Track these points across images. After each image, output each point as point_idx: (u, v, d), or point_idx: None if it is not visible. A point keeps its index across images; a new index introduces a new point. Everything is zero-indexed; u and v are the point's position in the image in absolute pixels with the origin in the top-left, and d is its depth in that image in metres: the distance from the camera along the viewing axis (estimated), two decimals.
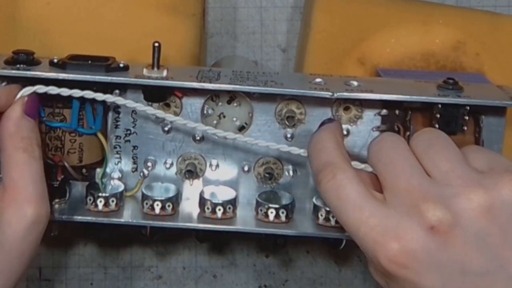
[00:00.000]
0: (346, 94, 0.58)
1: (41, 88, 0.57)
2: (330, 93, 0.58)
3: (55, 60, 0.59)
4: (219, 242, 0.79)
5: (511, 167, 0.50)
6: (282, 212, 0.62)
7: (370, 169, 0.53)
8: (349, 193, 0.49)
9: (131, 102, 0.58)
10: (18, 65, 0.58)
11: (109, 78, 0.58)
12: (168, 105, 0.63)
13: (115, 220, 0.62)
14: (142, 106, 0.59)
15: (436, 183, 0.48)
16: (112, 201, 0.62)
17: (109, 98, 0.58)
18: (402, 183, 0.49)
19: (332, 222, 0.61)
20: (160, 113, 0.59)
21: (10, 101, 0.56)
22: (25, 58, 0.59)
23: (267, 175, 0.64)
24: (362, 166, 0.54)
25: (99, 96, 0.58)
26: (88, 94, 0.57)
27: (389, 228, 0.47)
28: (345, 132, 0.63)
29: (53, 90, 0.57)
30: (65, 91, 0.57)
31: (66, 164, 0.61)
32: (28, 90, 0.56)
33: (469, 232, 0.46)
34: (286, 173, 0.65)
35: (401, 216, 0.48)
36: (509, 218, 0.47)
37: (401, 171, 0.49)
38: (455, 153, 0.50)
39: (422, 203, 0.47)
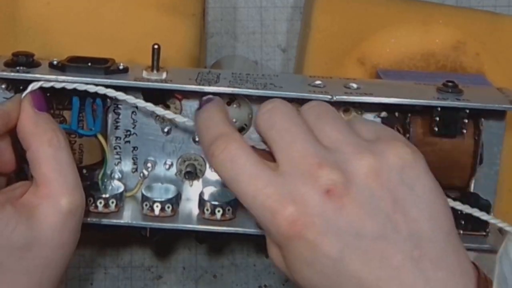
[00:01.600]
0: (345, 97, 0.58)
1: (46, 83, 0.57)
2: (330, 96, 0.58)
3: (55, 62, 0.59)
4: (219, 243, 0.79)
5: (397, 136, 0.51)
6: None
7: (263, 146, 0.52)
8: (244, 163, 0.49)
9: (131, 98, 0.59)
10: (18, 67, 0.58)
11: (109, 80, 0.58)
12: (168, 107, 0.63)
13: (115, 221, 0.62)
14: (142, 102, 0.59)
15: (328, 150, 0.48)
16: (112, 202, 0.62)
17: (110, 92, 0.58)
18: (297, 149, 0.48)
19: None
20: (159, 110, 0.59)
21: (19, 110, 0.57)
22: (25, 60, 0.59)
23: None
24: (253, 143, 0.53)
25: (101, 90, 0.58)
26: (91, 88, 0.58)
27: (286, 195, 0.47)
28: None
29: (57, 84, 0.57)
30: (69, 84, 0.57)
31: None
32: (33, 86, 0.57)
33: (362, 196, 0.47)
34: None
35: (296, 183, 0.47)
36: (397, 183, 0.47)
37: (295, 137, 0.49)
38: (343, 124, 0.51)
39: (317, 169, 0.47)
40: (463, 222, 0.61)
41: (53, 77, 0.58)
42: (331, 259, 0.46)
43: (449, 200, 0.56)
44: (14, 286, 0.54)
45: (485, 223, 0.62)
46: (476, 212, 0.58)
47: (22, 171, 0.60)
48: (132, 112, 0.63)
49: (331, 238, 0.46)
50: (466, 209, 0.58)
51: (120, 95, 0.58)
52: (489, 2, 0.77)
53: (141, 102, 0.59)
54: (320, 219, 0.46)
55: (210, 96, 0.57)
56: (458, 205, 0.57)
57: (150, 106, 0.59)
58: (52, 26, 0.69)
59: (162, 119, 0.63)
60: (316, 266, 0.47)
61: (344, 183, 0.47)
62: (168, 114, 0.59)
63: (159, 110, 0.59)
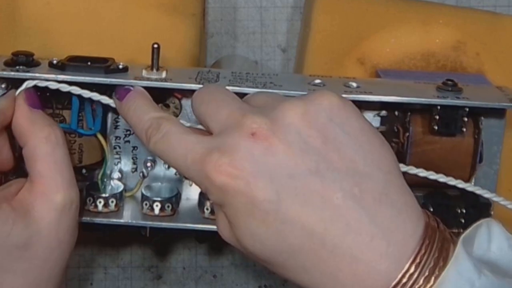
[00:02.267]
0: (345, 96, 0.58)
1: (41, 82, 0.57)
2: None
3: (55, 62, 0.59)
4: (219, 243, 0.79)
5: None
6: None
7: None
8: (175, 135, 0.50)
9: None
10: (17, 67, 0.58)
11: (108, 80, 0.58)
12: (167, 106, 0.63)
13: (114, 220, 0.62)
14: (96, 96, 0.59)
15: (256, 108, 0.49)
16: (112, 201, 0.62)
17: (104, 99, 0.58)
18: (224, 110, 0.49)
19: None
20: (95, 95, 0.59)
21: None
22: (25, 60, 0.59)
23: None
24: None
25: (95, 96, 0.58)
26: (86, 93, 0.58)
27: (214, 147, 0.47)
28: None
29: (52, 85, 0.57)
30: (64, 87, 0.57)
31: None
32: (27, 84, 0.57)
33: (289, 136, 0.46)
34: None
35: (223, 135, 0.48)
36: (326, 123, 0.47)
37: (222, 103, 0.50)
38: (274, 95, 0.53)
39: (241, 118, 0.47)
40: (463, 221, 0.61)
41: (52, 76, 0.57)
42: (268, 202, 0.46)
43: (450, 178, 0.56)
44: (12, 287, 0.54)
45: None
46: (478, 190, 0.58)
47: (20, 169, 0.60)
48: None
49: (264, 181, 0.46)
50: (468, 187, 0.58)
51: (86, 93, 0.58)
52: (489, 2, 0.77)
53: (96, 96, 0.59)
54: (248, 162, 0.46)
55: (128, 86, 0.58)
56: (460, 183, 0.57)
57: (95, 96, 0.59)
58: (52, 26, 0.69)
59: None
60: (256, 215, 0.46)
61: (269, 125, 0.47)
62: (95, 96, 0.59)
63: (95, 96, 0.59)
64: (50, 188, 0.55)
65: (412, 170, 0.57)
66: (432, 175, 0.57)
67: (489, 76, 0.70)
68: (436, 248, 0.45)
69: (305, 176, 0.46)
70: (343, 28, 0.71)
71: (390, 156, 0.48)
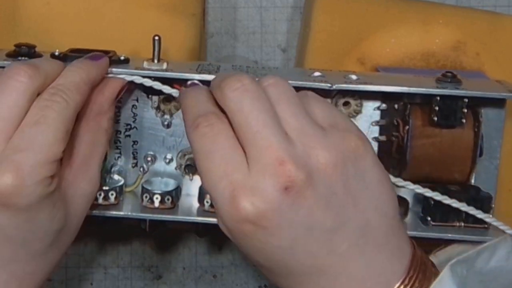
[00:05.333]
0: (345, 86, 0.59)
1: (138, 79, 0.59)
2: (329, 85, 0.58)
3: (56, 53, 0.59)
4: (218, 238, 0.78)
5: (349, 124, 0.52)
6: None
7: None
8: (223, 142, 0.49)
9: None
10: (19, 58, 0.59)
11: (110, 69, 0.58)
12: (168, 100, 0.63)
13: (114, 213, 0.62)
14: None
15: (289, 141, 0.49)
16: (112, 194, 0.62)
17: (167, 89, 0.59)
18: (262, 139, 0.48)
19: None
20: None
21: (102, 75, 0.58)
22: (27, 51, 0.59)
23: None
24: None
25: (166, 89, 0.59)
26: (157, 85, 0.59)
27: (248, 186, 0.48)
28: None
29: (147, 82, 0.59)
30: (138, 79, 0.59)
31: None
32: (129, 78, 0.59)
33: (318, 192, 0.48)
34: None
35: (259, 175, 0.48)
36: (351, 176, 0.49)
37: (261, 125, 0.49)
38: (300, 109, 0.51)
39: (279, 165, 0.48)
40: (464, 215, 0.61)
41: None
42: (281, 249, 0.49)
43: (445, 197, 0.59)
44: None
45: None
46: (472, 210, 0.60)
47: None
48: (133, 106, 0.63)
49: (284, 231, 0.48)
50: (462, 207, 0.60)
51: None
52: (489, 2, 0.77)
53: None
54: (275, 213, 0.47)
55: (196, 81, 0.58)
56: (454, 203, 0.59)
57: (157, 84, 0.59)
58: (52, 26, 0.69)
59: (163, 112, 0.63)
60: (265, 253, 0.49)
61: (303, 180, 0.48)
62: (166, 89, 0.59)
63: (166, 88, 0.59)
64: (89, 176, 0.57)
65: (409, 186, 0.59)
66: (427, 192, 0.59)
67: (489, 76, 0.70)
68: (420, 275, 0.51)
69: (321, 231, 0.48)
70: (343, 28, 0.71)
71: (395, 201, 0.52)
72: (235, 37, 0.78)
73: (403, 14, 0.71)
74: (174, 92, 0.59)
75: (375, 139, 0.64)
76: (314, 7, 0.71)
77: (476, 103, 0.60)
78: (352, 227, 0.49)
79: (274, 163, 0.48)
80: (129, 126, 0.64)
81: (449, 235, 0.61)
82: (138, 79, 0.59)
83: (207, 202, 0.62)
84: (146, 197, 0.62)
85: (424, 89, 0.58)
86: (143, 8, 0.69)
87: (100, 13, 0.69)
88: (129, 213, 0.62)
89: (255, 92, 0.50)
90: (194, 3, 0.71)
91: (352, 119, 0.63)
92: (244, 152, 0.49)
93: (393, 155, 0.63)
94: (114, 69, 0.58)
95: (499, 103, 0.61)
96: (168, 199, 0.62)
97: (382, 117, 0.63)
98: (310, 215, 0.48)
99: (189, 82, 0.57)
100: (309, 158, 0.48)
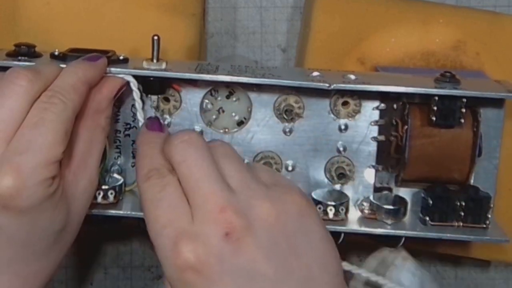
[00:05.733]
0: (343, 86, 0.59)
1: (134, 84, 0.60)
2: (327, 85, 0.58)
3: (56, 53, 0.59)
4: None
5: (291, 184, 0.54)
6: None
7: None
8: (172, 192, 0.50)
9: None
10: (19, 57, 0.59)
11: (109, 69, 0.58)
12: (167, 100, 0.63)
13: (113, 212, 0.62)
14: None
15: (232, 192, 0.50)
16: (111, 193, 0.62)
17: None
18: (204, 188, 0.49)
19: (330, 215, 0.61)
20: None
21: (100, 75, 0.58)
22: (27, 51, 0.60)
23: None
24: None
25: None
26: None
27: (190, 233, 0.48)
28: (343, 127, 0.63)
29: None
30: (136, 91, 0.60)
31: None
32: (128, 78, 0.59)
33: (259, 240, 0.48)
34: (285, 168, 0.65)
35: (201, 222, 0.49)
36: (294, 230, 0.50)
37: (204, 175, 0.50)
38: (245, 167, 0.53)
39: (220, 212, 0.48)
40: (462, 215, 0.61)
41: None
42: None
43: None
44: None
45: (485, 216, 0.61)
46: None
47: None
48: (132, 106, 0.63)
49: (226, 280, 0.48)
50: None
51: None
52: (489, 2, 0.77)
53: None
54: (217, 260, 0.48)
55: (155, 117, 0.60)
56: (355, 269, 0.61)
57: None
58: (52, 26, 0.69)
59: (161, 112, 0.63)
60: None
61: (243, 227, 0.48)
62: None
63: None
64: (88, 174, 0.57)
65: (356, 270, 0.61)
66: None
67: (489, 75, 0.70)
68: None
69: (263, 280, 0.48)
70: (343, 28, 0.71)
71: (338, 260, 0.52)
72: (235, 37, 0.78)
73: (403, 14, 0.71)
74: (138, 103, 0.60)
75: (374, 138, 0.64)
76: (314, 7, 0.71)
77: (475, 103, 0.60)
78: (296, 280, 0.49)
79: (215, 210, 0.48)
80: (128, 126, 0.64)
81: (448, 235, 0.61)
82: (129, 78, 0.59)
83: None
84: None
85: (422, 89, 0.58)
86: (143, 8, 0.70)
87: (100, 13, 0.69)
88: (129, 212, 0.62)
89: (200, 145, 0.51)
90: (194, 3, 0.71)
91: (351, 119, 0.63)
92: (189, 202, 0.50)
93: (392, 155, 0.63)
94: (112, 69, 0.59)
95: (498, 103, 0.61)
96: None
97: (381, 116, 0.63)
98: (252, 263, 0.48)
99: (150, 121, 0.58)
100: (251, 208, 0.49)
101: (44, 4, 0.69)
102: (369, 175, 0.65)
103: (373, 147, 0.64)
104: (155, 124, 0.57)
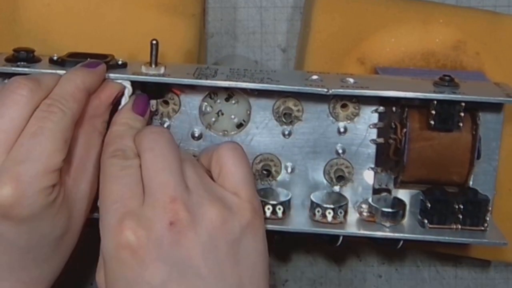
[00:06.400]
0: (341, 91, 0.59)
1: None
2: (326, 90, 0.58)
3: (55, 58, 0.60)
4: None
5: (252, 197, 0.55)
6: (279, 209, 0.61)
7: None
8: (132, 173, 0.52)
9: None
10: (18, 63, 0.59)
11: (107, 75, 0.58)
12: (166, 103, 0.63)
13: None
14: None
15: (187, 189, 0.51)
16: None
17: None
18: (164, 177, 0.51)
19: (329, 218, 0.61)
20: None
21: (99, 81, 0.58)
22: (26, 56, 0.60)
23: (264, 172, 0.64)
24: None
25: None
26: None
27: (137, 214, 0.50)
28: (342, 129, 0.63)
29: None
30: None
31: None
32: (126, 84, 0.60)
33: (201, 238, 0.50)
34: (284, 171, 0.65)
35: (150, 207, 0.50)
36: (236, 239, 0.52)
37: (166, 166, 0.52)
38: (205, 172, 0.55)
39: (170, 201, 0.50)
40: (461, 217, 0.61)
41: (53, 72, 0.58)
42: (150, 286, 0.49)
43: None
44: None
45: (484, 219, 0.61)
46: None
47: None
48: None
49: (159, 266, 0.49)
50: None
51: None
52: (489, 2, 0.77)
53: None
54: (155, 245, 0.49)
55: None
56: None
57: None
58: (52, 27, 0.69)
59: (161, 115, 0.63)
60: None
61: (188, 221, 0.50)
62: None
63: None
64: (88, 177, 0.57)
65: None
66: None
67: (489, 75, 0.70)
68: None
69: (195, 277, 0.49)
70: (343, 28, 0.71)
71: (268, 278, 0.54)
72: (235, 37, 0.78)
73: (403, 14, 0.71)
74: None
75: (373, 141, 0.64)
76: (314, 7, 0.71)
77: (474, 106, 0.60)
78: (228, 285, 0.50)
79: (166, 198, 0.50)
80: None
81: (446, 237, 0.61)
82: (126, 84, 0.60)
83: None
84: None
85: (421, 94, 0.58)
86: (143, 8, 0.70)
87: (100, 13, 0.69)
88: None
89: (171, 140, 0.54)
90: (194, 3, 0.71)
91: (350, 122, 0.63)
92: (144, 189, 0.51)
93: (391, 157, 0.63)
94: (111, 74, 0.59)
95: (497, 107, 0.61)
96: None
97: (380, 119, 0.63)
98: (188, 258, 0.49)
99: (137, 101, 0.60)
100: (200, 207, 0.51)
101: (44, 5, 0.69)
102: (368, 177, 0.65)
103: (372, 149, 0.64)
104: (140, 106, 0.59)
